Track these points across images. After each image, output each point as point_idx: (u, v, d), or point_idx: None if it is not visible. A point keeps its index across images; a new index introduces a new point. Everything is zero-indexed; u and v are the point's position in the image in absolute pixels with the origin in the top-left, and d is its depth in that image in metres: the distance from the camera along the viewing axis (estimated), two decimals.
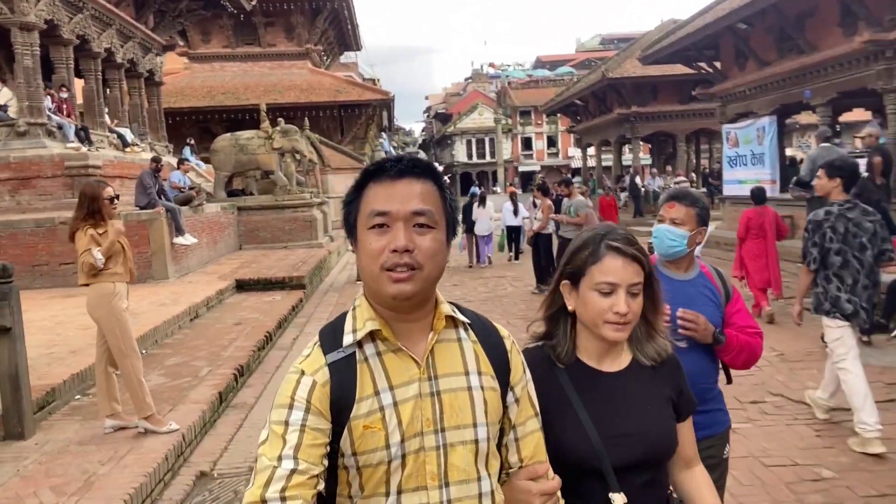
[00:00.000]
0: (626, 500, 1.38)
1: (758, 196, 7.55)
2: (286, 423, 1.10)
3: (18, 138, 11.84)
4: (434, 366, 1.18)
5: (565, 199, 9.75)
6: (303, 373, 1.15)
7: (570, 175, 20.26)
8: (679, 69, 16.41)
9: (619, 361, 1.49)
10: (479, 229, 13.57)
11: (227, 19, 28.55)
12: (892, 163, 7.89)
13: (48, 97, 12.73)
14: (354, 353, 1.16)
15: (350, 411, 1.12)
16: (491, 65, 71.00)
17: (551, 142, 50.85)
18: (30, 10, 11.84)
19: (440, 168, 1.77)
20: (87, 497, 3.29)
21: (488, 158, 49.34)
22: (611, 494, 1.38)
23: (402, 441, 1.13)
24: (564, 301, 1.49)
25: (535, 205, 12.18)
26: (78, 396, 4.97)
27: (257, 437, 1.16)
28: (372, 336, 1.17)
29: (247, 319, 7.78)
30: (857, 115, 16.05)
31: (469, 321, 1.25)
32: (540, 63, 62.85)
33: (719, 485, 2.03)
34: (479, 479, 1.18)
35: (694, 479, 1.53)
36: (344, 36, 36.41)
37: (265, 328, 7.26)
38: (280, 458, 1.07)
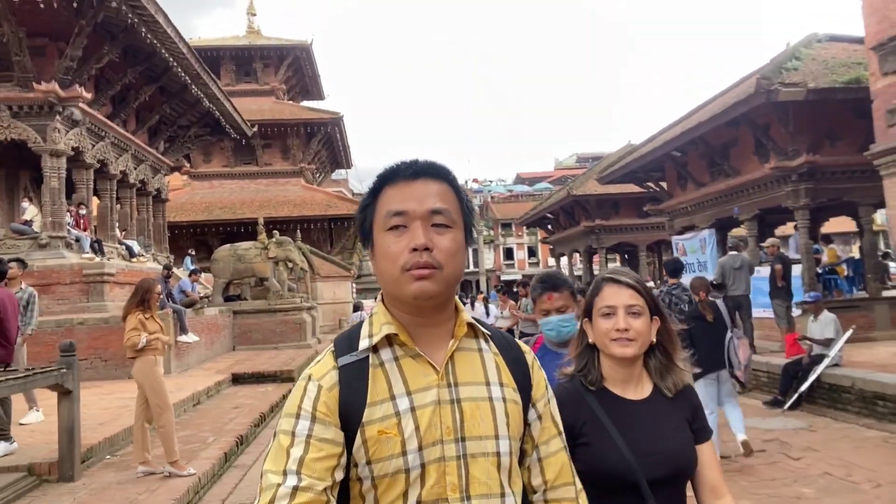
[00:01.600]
0: None
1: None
2: (292, 435, 1.08)
3: (40, 249, 13.26)
4: (454, 373, 1.14)
5: (523, 299, 11.16)
6: (310, 378, 1.13)
7: (526, 280, 21.88)
8: (636, 187, 18.48)
9: (642, 390, 1.65)
10: None
11: (228, 142, 30.93)
12: (790, 269, 9.45)
13: (68, 213, 14.30)
14: (368, 357, 1.14)
15: (361, 416, 1.09)
16: (475, 180, 74.94)
17: (532, 252, 53.18)
18: (60, 139, 13.66)
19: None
20: None
21: (472, 268, 51.32)
22: None
23: (421, 449, 1.08)
24: (588, 338, 1.68)
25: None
26: (108, 456, 6.05)
27: (255, 487, 1.14)
28: (389, 341, 1.15)
29: (243, 404, 8.87)
30: (838, 225, 17.70)
31: (490, 333, 1.23)
32: (520, 179, 66.74)
33: None
34: (502, 494, 1.13)
35: (714, 498, 1.60)
36: (336, 156, 38.99)
37: (259, 410, 8.36)
38: (284, 475, 1.04)
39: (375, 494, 1.09)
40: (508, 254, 53.69)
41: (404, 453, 1.07)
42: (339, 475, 1.08)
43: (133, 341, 5.33)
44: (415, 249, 1.09)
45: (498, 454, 1.12)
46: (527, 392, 1.21)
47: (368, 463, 1.08)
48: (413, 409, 1.10)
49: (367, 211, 1.19)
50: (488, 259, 49.31)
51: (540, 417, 1.22)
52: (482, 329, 1.21)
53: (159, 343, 5.44)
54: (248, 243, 16.66)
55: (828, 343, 7.58)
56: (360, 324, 1.20)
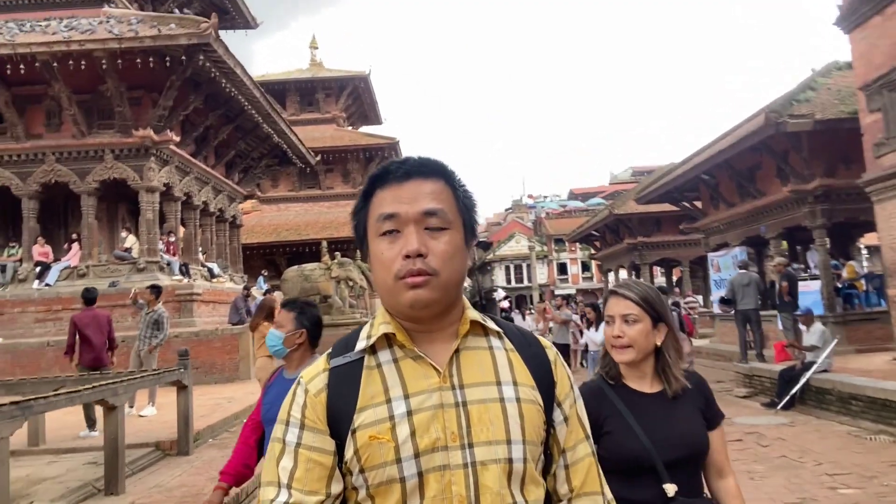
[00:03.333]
0: (676, 489, 1.68)
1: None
2: (283, 443, 1.05)
3: (139, 273, 15.36)
4: (459, 374, 1.07)
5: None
6: (300, 382, 1.10)
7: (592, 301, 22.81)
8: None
9: (657, 385, 1.83)
10: None
11: (294, 168, 33.39)
12: (796, 285, 10.38)
13: (160, 241, 16.44)
14: (362, 358, 1.09)
15: (350, 421, 1.03)
16: (529, 196, 75.96)
17: (585, 266, 53.72)
18: (154, 177, 15.82)
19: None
20: None
21: (525, 283, 52.34)
22: (664, 485, 1.68)
23: (417, 456, 1.01)
24: None
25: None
26: (210, 439, 7.70)
27: None
28: (389, 342, 1.09)
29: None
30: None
31: (503, 329, 1.16)
32: (573, 195, 67.35)
33: None
34: None
35: (726, 489, 1.80)
36: None
37: None
38: (277, 488, 1.03)
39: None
40: (562, 269, 54.49)
41: (398, 461, 1.01)
42: (336, 487, 1.04)
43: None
44: (407, 256, 1.02)
45: (509, 461, 1.03)
46: (549, 391, 1.12)
47: (362, 471, 1.02)
48: (410, 414, 1.03)
49: (359, 216, 1.12)
50: (542, 274, 50.28)
51: (566, 419, 1.14)
52: (493, 326, 1.14)
53: None
54: (314, 264, 18.47)
55: (813, 350, 8.55)
56: (359, 329, 1.16)
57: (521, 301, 50.10)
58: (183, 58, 14.19)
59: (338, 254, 19.57)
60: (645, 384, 1.83)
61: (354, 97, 38.79)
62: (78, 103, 15.12)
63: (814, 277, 12.63)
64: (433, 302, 1.04)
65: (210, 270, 18.77)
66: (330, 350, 1.14)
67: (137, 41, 13.72)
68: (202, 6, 22.12)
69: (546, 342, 1.19)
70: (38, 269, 14.79)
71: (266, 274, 23.36)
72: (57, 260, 15.35)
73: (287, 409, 1.08)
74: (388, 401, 1.04)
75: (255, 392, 10.74)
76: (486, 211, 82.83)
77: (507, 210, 74.24)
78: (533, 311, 18.82)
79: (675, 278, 27.37)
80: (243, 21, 24.76)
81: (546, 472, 1.14)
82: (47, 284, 14.55)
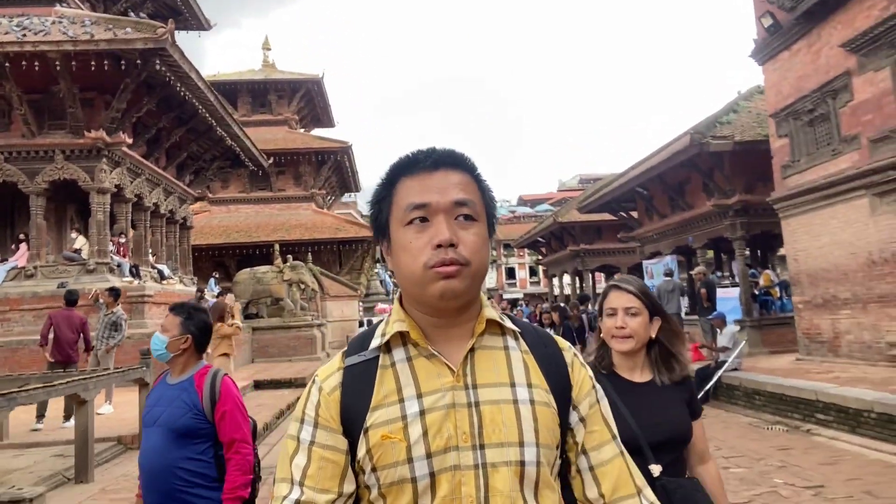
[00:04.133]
0: (661, 469, 1.85)
1: (580, 299, 10.87)
2: (297, 440, 1.06)
3: (88, 274, 15.38)
4: (473, 374, 1.06)
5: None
6: (315, 380, 1.10)
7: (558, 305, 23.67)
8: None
9: (647, 375, 1.98)
10: None
11: (244, 169, 33.36)
12: (714, 292, 11.42)
13: (111, 242, 16.46)
14: (377, 357, 1.08)
15: (363, 420, 1.03)
16: None
17: (532, 271, 55.14)
18: (105, 179, 15.87)
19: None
20: None
21: None
22: (650, 466, 1.83)
23: (429, 456, 1.00)
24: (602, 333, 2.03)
25: None
26: None
27: (274, 461, 1.26)
28: (403, 340, 1.08)
29: (265, 403, 10.88)
30: None
31: (520, 329, 1.14)
32: (522, 201, 68.88)
33: None
34: None
35: (707, 472, 1.99)
36: (345, 180, 41.07)
37: (279, 407, 10.36)
38: (290, 485, 1.03)
39: (386, 503, 1.02)
40: (510, 273, 55.79)
41: (410, 460, 1.00)
42: (349, 486, 1.04)
43: (222, 331, 7.50)
44: (439, 245, 1.00)
45: (521, 463, 1.01)
46: (565, 394, 1.09)
47: (374, 470, 1.01)
48: (423, 413, 1.02)
49: (382, 204, 1.09)
50: (491, 278, 51.43)
51: (584, 420, 1.11)
52: (510, 325, 1.12)
53: (231, 348, 7.56)
54: (266, 267, 18.78)
55: (724, 350, 9.55)
56: (379, 323, 1.14)
57: None
58: (138, 62, 14.35)
59: (290, 257, 19.91)
60: (636, 374, 1.98)
61: (307, 100, 38.88)
62: (29, 103, 15.06)
63: (735, 285, 13.76)
64: (463, 292, 1.03)
65: (160, 272, 18.78)
66: (345, 348, 1.14)
67: (93, 44, 13.84)
68: (155, 7, 22.12)
69: (564, 343, 1.17)
70: None
71: (217, 276, 23.40)
72: (4, 260, 15.25)
73: (302, 406, 1.08)
74: (401, 400, 1.04)
75: None
76: None
77: None
78: None
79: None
80: (196, 23, 24.78)
81: (565, 475, 1.12)
82: None
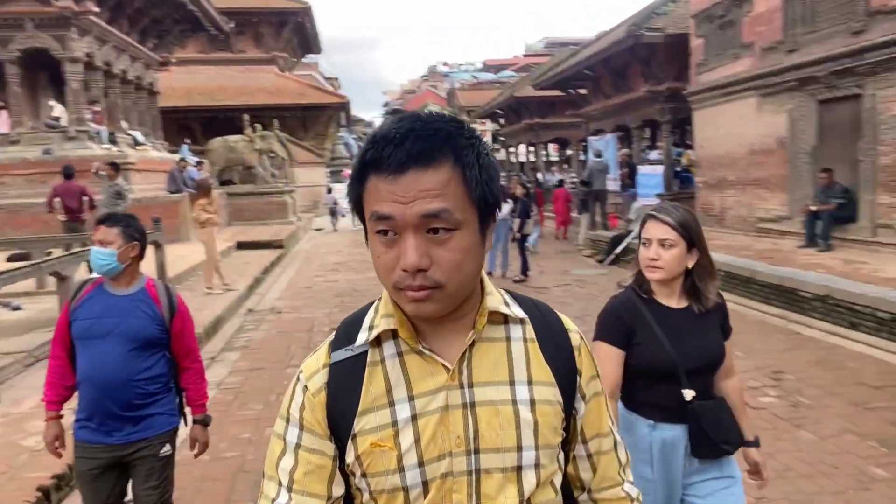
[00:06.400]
0: (694, 394, 1.95)
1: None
2: (284, 441, 1.00)
3: (69, 141, 16.39)
4: (470, 371, 0.97)
5: None
6: (300, 376, 1.02)
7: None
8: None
9: (682, 301, 2.04)
10: None
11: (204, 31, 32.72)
12: (635, 171, 13.34)
13: (87, 110, 17.29)
14: (366, 352, 0.99)
15: (351, 424, 0.96)
16: (445, 63, 76.10)
17: (495, 139, 56.32)
18: (76, 47, 16.44)
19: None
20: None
21: None
22: (683, 391, 1.93)
23: (422, 465, 0.94)
24: None
25: None
26: (178, 286, 9.98)
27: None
28: (394, 333, 0.98)
29: (251, 261, 12.77)
30: None
31: (525, 315, 1.03)
32: (486, 66, 68.32)
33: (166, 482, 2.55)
34: None
35: (731, 386, 2.12)
36: (307, 42, 40.42)
37: (262, 265, 12.27)
38: (278, 486, 0.99)
39: None
40: None
41: (401, 470, 0.94)
42: (338, 490, 0.99)
43: (200, 217, 9.10)
44: (405, 270, 0.87)
45: (518, 469, 0.96)
46: (571, 380, 1.03)
47: (364, 476, 0.96)
48: (414, 418, 0.95)
49: (352, 196, 0.95)
50: None
51: (587, 408, 1.06)
52: (517, 313, 1.01)
53: (216, 218, 9.20)
54: (237, 137, 19.91)
55: (630, 223, 11.68)
56: (369, 305, 1.04)
57: None
58: None
59: (258, 126, 20.93)
60: (673, 300, 2.02)
61: None
62: None
63: (660, 162, 15.72)
64: (438, 312, 0.91)
65: (134, 139, 19.75)
66: (332, 337, 1.04)
67: None
68: None
69: (570, 324, 1.08)
70: None
71: (188, 142, 24.29)
72: None
73: (287, 405, 1.01)
74: (391, 403, 0.95)
75: (198, 251, 12.88)
76: (402, 78, 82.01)
77: (422, 77, 74.42)
78: None
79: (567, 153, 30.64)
80: None
81: (566, 459, 1.08)
82: None
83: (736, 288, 8.66)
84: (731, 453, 2.01)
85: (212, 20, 24.32)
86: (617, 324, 2.00)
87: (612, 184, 15.44)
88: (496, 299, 1.01)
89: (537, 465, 0.98)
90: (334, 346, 1.02)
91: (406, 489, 0.95)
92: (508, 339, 1.01)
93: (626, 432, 1.99)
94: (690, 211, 2.06)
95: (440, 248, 0.88)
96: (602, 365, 1.84)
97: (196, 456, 2.69)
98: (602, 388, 1.10)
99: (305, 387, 1.00)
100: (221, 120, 31.67)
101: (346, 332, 1.03)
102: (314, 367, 1.01)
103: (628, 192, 12.27)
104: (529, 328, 1.03)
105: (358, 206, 0.94)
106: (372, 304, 1.04)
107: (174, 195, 14.72)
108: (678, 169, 15.81)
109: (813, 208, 9.45)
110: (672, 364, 1.93)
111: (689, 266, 1.98)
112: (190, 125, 32.06)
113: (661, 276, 1.96)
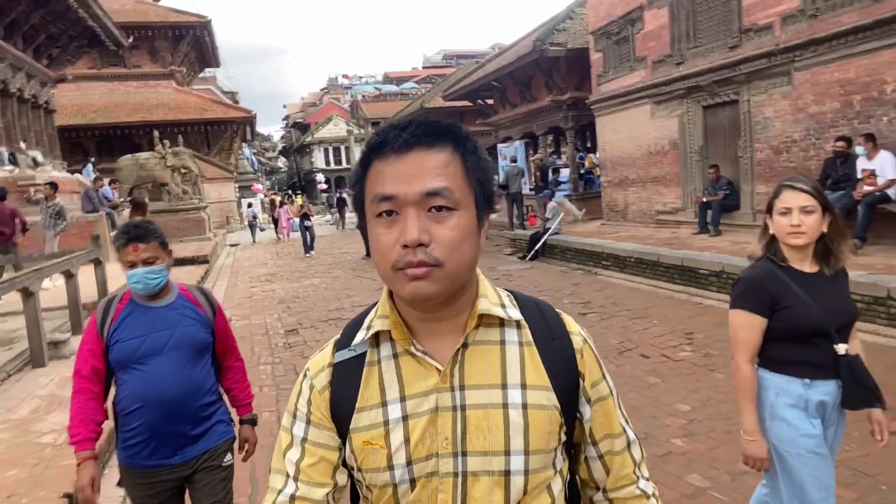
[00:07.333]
0: (847, 347, 2.11)
1: None
2: (291, 435, 1.05)
3: None
4: (461, 374, 0.98)
5: None
6: (306, 373, 1.07)
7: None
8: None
9: (813, 266, 2.17)
10: None
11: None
12: (547, 174, 14.47)
13: None
14: (365, 352, 1.03)
15: (349, 421, 1.01)
16: (345, 76, 76.20)
17: None
18: None
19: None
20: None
21: (344, 164, 54.79)
22: (836, 346, 2.10)
23: (410, 464, 0.98)
24: (770, 230, 2.19)
25: None
26: None
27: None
28: (391, 334, 1.01)
29: (180, 277, 12.69)
30: None
31: (523, 317, 1.03)
32: (388, 78, 69.20)
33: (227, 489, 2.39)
34: None
35: (857, 345, 2.21)
36: (205, 56, 39.53)
37: (194, 280, 12.32)
38: (285, 478, 1.04)
39: (372, 499, 1.02)
40: None
41: (390, 468, 0.98)
42: (342, 478, 1.04)
43: None
44: (406, 245, 0.89)
45: (506, 473, 0.97)
46: (573, 386, 1.02)
47: (359, 470, 1.01)
48: (405, 419, 0.98)
49: (356, 188, 0.98)
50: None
51: (594, 412, 1.05)
52: (507, 315, 1.01)
53: None
54: (148, 153, 19.51)
55: (547, 221, 12.76)
56: (372, 307, 1.08)
57: (340, 182, 52.70)
58: None
59: (166, 142, 20.53)
60: (806, 265, 2.15)
61: None
62: None
63: (566, 166, 17.00)
64: (436, 294, 0.92)
65: (34, 159, 18.92)
66: (338, 336, 1.09)
67: None
68: None
69: (573, 326, 1.07)
70: None
71: (93, 160, 23.37)
72: None
73: (294, 401, 1.06)
74: (384, 403, 0.99)
75: (117, 274, 12.80)
76: (302, 90, 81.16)
77: (322, 90, 74.09)
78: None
79: None
80: None
81: (575, 462, 1.09)
82: None
83: (645, 271, 9.83)
84: (880, 401, 2.13)
85: (110, 35, 23.61)
86: (759, 292, 2.14)
87: (525, 187, 16.60)
88: (490, 301, 1.01)
89: (527, 471, 0.97)
90: (338, 345, 1.07)
91: (395, 486, 0.99)
92: (503, 342, 1.01)
93: (774, 395, 2.15)
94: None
95: (440, 226, 0.90)
96: (740, 332, 2.19)
97: (245, 459, 2.55)
98: (611, 390, 1.09)
99: (312, 385, 1.05)
100: (118, 137, 30.61)
101: (349, 332, 1.07)
102: (319, 366, 1.06)
103: (543, 194, 13.33)
104: (526, 331, 1.02)
105: (359, 196, 0.97)
106: (374, 304, 1.07)
107: (90, 215, 14.37)
108: (582, 171, 17.16)
109: (704, 199, 10.83)
110: (823, 322, 2.07)
111: (824, 230, 2.10)
112: (83, 143, 30.76)
113: (804, 241, 2.08)
